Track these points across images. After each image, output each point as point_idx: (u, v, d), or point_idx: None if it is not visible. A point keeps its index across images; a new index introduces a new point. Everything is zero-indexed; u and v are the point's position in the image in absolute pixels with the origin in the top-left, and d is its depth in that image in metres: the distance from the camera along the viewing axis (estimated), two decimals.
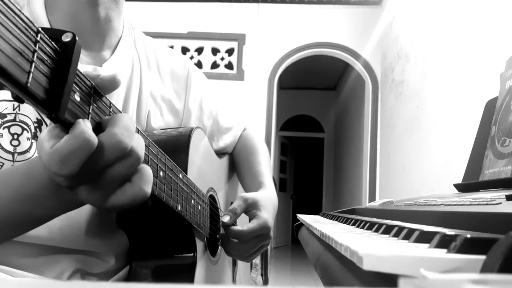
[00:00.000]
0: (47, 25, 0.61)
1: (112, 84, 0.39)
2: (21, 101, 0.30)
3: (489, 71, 1.95)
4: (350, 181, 5.35)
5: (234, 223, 0.75)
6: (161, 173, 0.49)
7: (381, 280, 0.24)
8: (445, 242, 0.27)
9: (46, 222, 0.46)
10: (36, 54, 0.29)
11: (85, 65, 0.39)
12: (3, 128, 0.56)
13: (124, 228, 0.66)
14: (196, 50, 4.43)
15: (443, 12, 2.65)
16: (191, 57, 4.40)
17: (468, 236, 0.25)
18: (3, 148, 0.56)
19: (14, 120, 0.57)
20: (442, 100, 2.59)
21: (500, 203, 0.38)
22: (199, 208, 0.66)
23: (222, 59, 4.41)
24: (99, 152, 0.35)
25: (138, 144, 0.38)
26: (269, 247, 1.01)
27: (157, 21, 4.34)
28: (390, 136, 3.73)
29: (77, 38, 0.32)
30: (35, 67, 0.29)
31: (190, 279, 0.64)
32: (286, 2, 4.35)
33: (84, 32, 0.63)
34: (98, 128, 0.37)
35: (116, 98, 0.67)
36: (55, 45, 0.31)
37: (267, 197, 0.81)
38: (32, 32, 0.29)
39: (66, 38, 0.32)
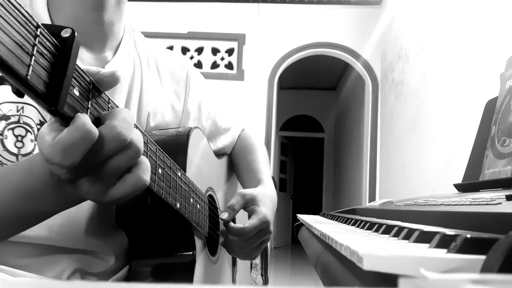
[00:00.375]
0: None
1: (112, 80, 0.39)
2: (21, 95, 0.30)
3: (489, 71, 1.95)
4: (350, 181, 5.35)
5: (234, 220, 0.75)
6: (160, 170, 0.49)
7: (381, 280, 0.24)
8: (445, 242, 0.27)
9: (46, 219, 0.46)
10: (36, 48, 0.29)
11: (87, 66, 0.39)
12: (8, 130, 0.56)
13: (123, 226, 0.66)
14: (196, 50, 4.43)
15: (443, 12, 2.65)
16: (191, 57, 4.40)
17: (468, 236, 0.25)
18: (7, 150, 0.56)
19: (18, 122, 0.57)
20: (442, 100, 2.59)
21: (500, 203, 0.38)
22: (198, 207, 0.66)
23: (222, 59, 4.41)
24: (100, 143, 0.35)
25: (137, 137, 0.39)
26: (269, 247, 1.01)
27: (157, 21, 4.34)
28: (390, 136, 3.73)
29: (76, 34, 0.33)
30: (35, 60, 0.29)
31: (189, 278, 0.65)
32: (286, 2, 4.35)
33: (87, 34, 0.63)
34: (97, 122, 0.38)
35: (118, 98, 0.67)
36: (54, 40, 0.32)
37: (265, 192, 0.81)
38: (32, 27, 0.29)
39: (66, 33, 0.33)
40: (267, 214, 0.76)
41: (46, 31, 0.31)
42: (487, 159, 0.68)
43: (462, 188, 0.70)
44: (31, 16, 0.29)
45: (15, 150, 0.56)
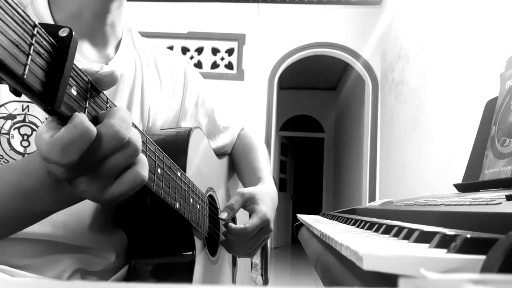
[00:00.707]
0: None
1: (111, 80, 0.39)
2: (18, 94, 0.30)
3: (489, 71, 1.95)
4: (350, 181, 5.35)
5: (233, 219, 0.75)
6: (159, 170, 0.49)
7: (381, 280, 0.24)
8: (445, 242, 0.27)
9: (44, 218, 0.46)
10: (32, 47, 0.29)
11: (87, 66, 0.39)
12: (14, 129, 0.56)
13: (123, 227, 0.66)
14: (196, 50, 4.43)
15: (443, 12, 2.65)
16: (191, 57, 4.40)
17: (468, 236, 0.25)
18: (14, 149, 0.56)
19: (24, 121, 0.57)
20: (442, 100, 2.59)
21: (500, 203, 0.38)
22: (198, 207, 0.66)
23: (222, 59, 4.41)
24: (98, 142, 0.35)
25: (136, 136, 0.38)
26: (269, 247, 1.01)
27: (157, 21, 4.34)
28: (390, 136, 3.73)
29: (73, 33, 0.33)
30: (31, 59, 0.29)
31: (189, 278, 0.65)
32: (286, 2, 4.35)
33: (90, 32, 0.64)
34: (95, 121, 0.37)
35: (120, 95, 0.68)
36: (52, 39, 0.32)
37: (265, 190, 0.81)
38: (29, 26, 0.29)
39: (63, 33, 0.33)
40: (267, 212, 0.76)
41: (44, 30, 0.31)
42: (487, 159, 0.68)
43: (462, 188, 0.70)
44: (28, 15, 0.29)
45: (21, 149, 0.56)
